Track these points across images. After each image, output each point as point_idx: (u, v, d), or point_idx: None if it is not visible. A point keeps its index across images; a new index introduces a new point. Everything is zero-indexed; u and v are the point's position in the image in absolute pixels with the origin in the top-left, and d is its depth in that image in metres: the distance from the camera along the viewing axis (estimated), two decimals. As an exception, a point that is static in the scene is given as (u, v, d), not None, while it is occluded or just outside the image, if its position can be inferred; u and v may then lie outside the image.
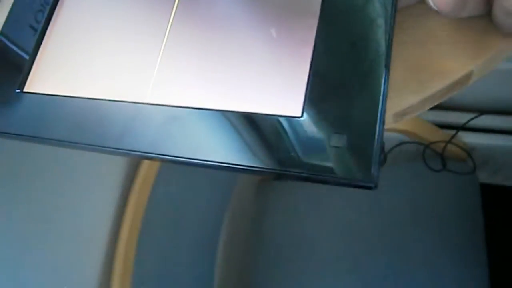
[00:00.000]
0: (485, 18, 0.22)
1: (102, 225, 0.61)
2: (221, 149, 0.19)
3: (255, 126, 0.20)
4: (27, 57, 0.27)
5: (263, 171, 0.18)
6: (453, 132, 0.82)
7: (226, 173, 0.85)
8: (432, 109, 0.79)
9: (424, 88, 0.23)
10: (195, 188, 0.76)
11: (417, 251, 0.75)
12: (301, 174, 0.18)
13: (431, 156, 0.72)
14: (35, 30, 0.28)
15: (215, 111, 0.21)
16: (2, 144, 0.47)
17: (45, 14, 0.28)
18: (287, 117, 0.19)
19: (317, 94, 0.19)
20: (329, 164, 0.18)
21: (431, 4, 0.20)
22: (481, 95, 0.85)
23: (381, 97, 0.18)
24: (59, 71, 0.26)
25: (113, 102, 0.23)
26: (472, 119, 0.67)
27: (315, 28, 0.21)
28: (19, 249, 0.49)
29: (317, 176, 0.18)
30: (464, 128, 0.84)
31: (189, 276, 0.75)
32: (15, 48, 0.28)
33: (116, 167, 0.64)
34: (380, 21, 0.20)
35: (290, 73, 0.20)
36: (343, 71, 0.20)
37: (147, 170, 0.65)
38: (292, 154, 0.18)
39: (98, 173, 0.62)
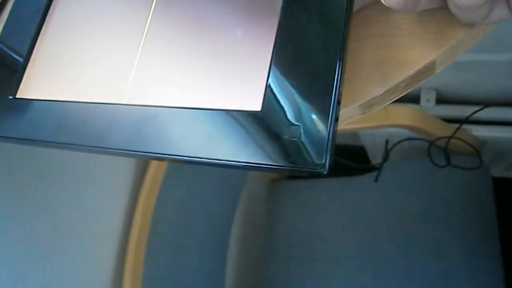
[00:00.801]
0: (447, 9, 0.23)
1: (112, 227, 0.64)
2: (186, 144, 0.21)
3: (220, 121, 0.21)
4: (20, 64, 0.29)
5: (222, 164, 0.20)
6: (463, 125, 0.81)
7: (235, 174, 0.86)
8: (439, 103, 0.78)
9: (388, 80, 0.23)
10: (204, 189, 0.78)
11: (428, 246, 0.75)
12: (256, 165, 0.19)
13: (438, 151, 0.71)
14: (29, 38, 0.30)
15: (183, 109, 0.22)
16: (17, 149, 0.50)
17: (37, 23, 0.30)
18: (248, 112, 0.21)
19: (276, 89, 0.21)
20: (284, 154, 0.19)
21: (383, 1, 0.20)
22: (492, 87, 0.84)
23: (334, 89, 0.19)
24: (47, 77, 0.28)
25: (94, 104, 0.25)
26: (476, 112, 0.66)
27: (275, 27, 0.22)
28: (32, 250, 0.52)
29: (272, 166, 0.19)
30: (474, 121, 0.83)
31: (199, 275, 0.77)
32: (10, 55, 0.30)
33: (124, 170, 0.66)
34: (336, 19, 0.21)
35: (252, 70, 0.22)
36: (301, 67, 0.21)
37: (155, 172, 0.67)
38: (251, 146, 0.20)
39: (108, 177, 0.64)
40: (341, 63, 0.20)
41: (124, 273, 0.63)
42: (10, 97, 0.28)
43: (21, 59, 0.29)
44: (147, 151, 0.22)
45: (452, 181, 0.74)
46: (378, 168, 0.72)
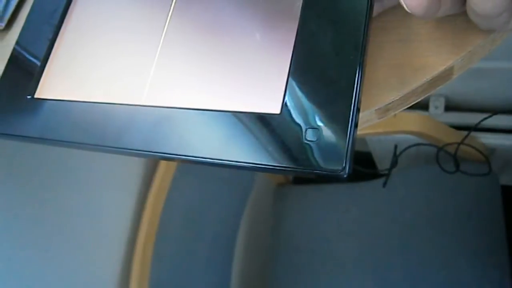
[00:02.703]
0: (465, 15, 0.23)
1: (119, 230, 0.64)
2: (206, 146, 0.21)
3: (238, 123, 0.21)
4: (39, 64, 0.29)
5: (241, 166, 0.20)
6: (472, 133, 0.81)
7: (242, 178, 0.86)
8: (448, 110, 0.78)
9: (405, 84, 0.23)
10: (211, 193, 0.78)
11: (435, 253, 0.74)
12: (276, 167, 0.19)
13: (447, 158, 0.71)
14: (47, 39, 0.30)
15: (201, 111, 0.22)
16: (27, 149, 0.50)
17: (55, 24, 0.30)
18: (267, 114, 0.21)
19: (295, 93, 0.21)
20: (303, 157, 0.19)
21: (405, 7, 0.20)
22: (501, 94, 0.84)
23: (354, 94, 0.19)
24: (65, 78, 0.28)
25: (112, 105, 0.25)
26: (484, 119, 0.66)
27: (295, 31, 0.22)
28: (39, 252, 0.52)
29: (292, 169, 0.19)
30: (482, 129, 0.83)
31: (206, 279, 0.76)
32: (29, 55, 0.30)
33: (133, 171, 0.66)
34: (356, 23, 0.21)
35: (271, 73, 0.22)
36: (320, 71, 0.21)
37: (163, 174, 0.67)
38: (269, 149, 0.20)
39: (117, 178, 0.64)
40: (361, 68, 0.20)
41: (131, 276, 0.63)
42: (29, 96, 0.28)
43: (39, 60, 0.29)
44: (165, 152, 0.22)
45: (460, 188, 0.74)
46: (385, 174, 0.72)
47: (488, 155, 0.82)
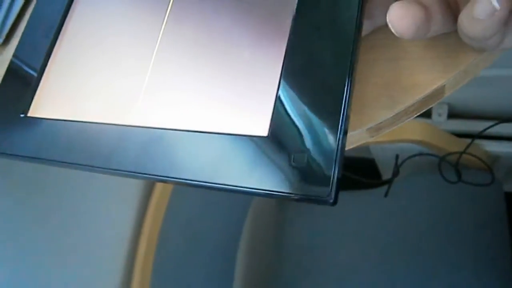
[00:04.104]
0: (457, 33, 0.22)
1: (119, 241, 0.64)
2: (191, 168, 0.21)
3: (225, 145, 0.21)
4: (33, 82, 0.29)
5: (226, 189, 0.20)
6: (476, 140, 0.80)
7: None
8: (452, 117, 0.77)
9: (396, 103, 0.23)
10: (212, 204, 0.78)
11: (439, 263, 0.74)
12: (261, 191, 0.19)
13: (450, 167, 0.70)
14: (42, 56, 0.30)
15: (189, 132, 0.22)
16: (35, 166, 0.50)
17: (50, 41, 0.30)
18: (255, 137, 0.21)
19: (283, 115, 0.20)
20: (289, 181, 0.19)
21: (394, 32, 0.20)
22: (505, 102, 0.83)
23: (340, 118, 0.19)
24: (58, 96, 0.28)
25: (103, 125, 0.25)
26: (489, 127, 0.65)
27: (283, 52, 0.22)
28: (39, 263, 0.52)
29: (277, 193, 0.19)
30: (486, 136, 0.82)
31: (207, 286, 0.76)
32: (23, 74, 0.30)
33: (133, 181, 0.66)
34: (344, 47, 0.21)
35: (260, 95, 0.22)
36: (308, 93, 0.20)
37: (163, 186, 0.67)
38: (256, 172, 0.19)
39: (117, 188, 0.64)
40: (348, 91, 0.20)
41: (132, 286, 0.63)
42: (22, 115, 0.28)
43: (33, 78, 0.30)
44: (153, 173, 0.22)
45: (463, 197, 0.73)
46: (388, 182, 0.72)
47: (492, 163, 0.81)
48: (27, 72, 0.30)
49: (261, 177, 0.19)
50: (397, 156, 0.66)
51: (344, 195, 0.87)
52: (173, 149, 0.22)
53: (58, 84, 0.29)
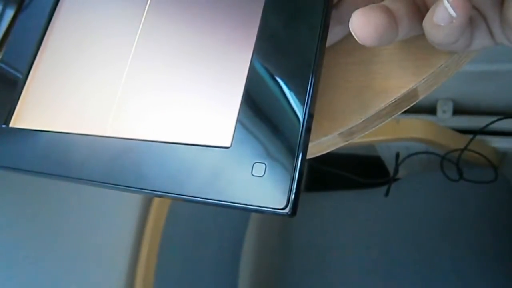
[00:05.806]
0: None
1: (122, 245, 0.64)
2: (156, 178, 0.21)
3: (188, 156, 0.21)
4: (14, 93, 0.30)
5: (188, 199, 0.19)
6: (482, 137, 0.78)
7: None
8: (457, 113, 0.75)
9: (368, 108, 0.23)
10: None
11: (443, 263, 0.72)
12: (222, 202, 0.19)
13: (452, 164, 0.69)
14: (23, 67, 0.31)
15: (155, 143, 0.22)
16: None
17: (31, 53, 0.31)
18: (218, 147, 0.20)
19: (245, 126, 0.20)
20: (248, 193, 0.19)
21: (357, 39, 0.19)
22: (510, 96, 0.81)
23: (300, 129, 0.19)
24: (38, 107, 0.29)
25: (78, 135, 0.25)
26: (492, 122, 0.64)
27: (248, 62, 0.22)
28: (39, 274, 0.53)
29: (237, 205, 0.18)
30: (493, 132, 0.80)
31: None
32: (5, 84, 0.31)
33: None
34: (306, 57, 0.20)
35: (224, 105, 0.21)
36: (270, 104, 0.20)
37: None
38: (217, 183, 0.19)
39: (119, 198, 0.65)
40: (309, 101, 0.19)
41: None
42: (3, 126, 0.29)
43: (15, 88, 0.30)
44: (121, 184, 0.22)
45: (467, 195, 0.71)
46: (388, 182, 0.70)
47: (499, 159, 0.79)
48: (9, 82, 0.31)
49: (221, 188, 0.19)
50: (397, 156, 0.65)
51: (348, 194, 0.87)
52: (139, 160, 0.22)
53: (38, 94, 0.29)
